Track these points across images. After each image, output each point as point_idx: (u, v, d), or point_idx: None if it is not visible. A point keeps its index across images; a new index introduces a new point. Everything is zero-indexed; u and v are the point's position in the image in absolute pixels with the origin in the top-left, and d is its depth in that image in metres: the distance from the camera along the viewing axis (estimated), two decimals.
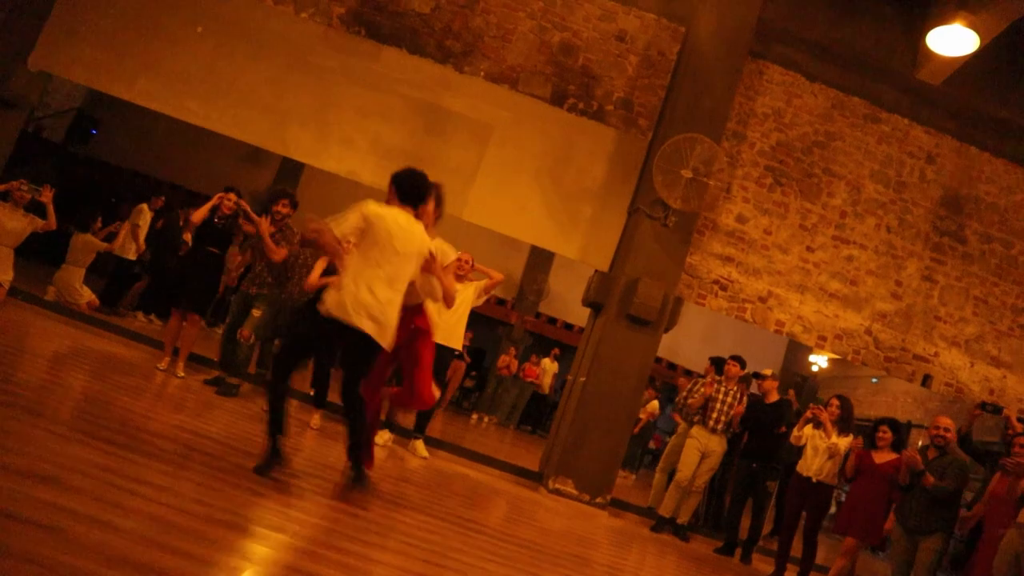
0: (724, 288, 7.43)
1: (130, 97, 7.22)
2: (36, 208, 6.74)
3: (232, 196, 6.32)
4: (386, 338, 3.77)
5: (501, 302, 18.39)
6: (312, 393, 5.96)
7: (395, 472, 5.25)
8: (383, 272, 3.75)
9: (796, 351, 16.03)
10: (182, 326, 6.16)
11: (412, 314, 4.19)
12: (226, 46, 7.36)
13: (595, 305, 7.23)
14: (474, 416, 13.79)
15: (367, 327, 3.67)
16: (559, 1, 7.67)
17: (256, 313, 5.99)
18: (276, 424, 3.66)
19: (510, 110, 7.52)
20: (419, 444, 6.33)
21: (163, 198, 9.48)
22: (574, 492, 6.57)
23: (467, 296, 6.34)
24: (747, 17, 7.19)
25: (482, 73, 7.56)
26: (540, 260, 15.58)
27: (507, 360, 14.44)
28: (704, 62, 7.12)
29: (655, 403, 12.26)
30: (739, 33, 7.17)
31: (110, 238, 8.22)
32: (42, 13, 7.27)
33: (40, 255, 10.14)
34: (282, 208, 6.04)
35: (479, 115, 7.50)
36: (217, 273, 6.42)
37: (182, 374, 6.04)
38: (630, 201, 7.37)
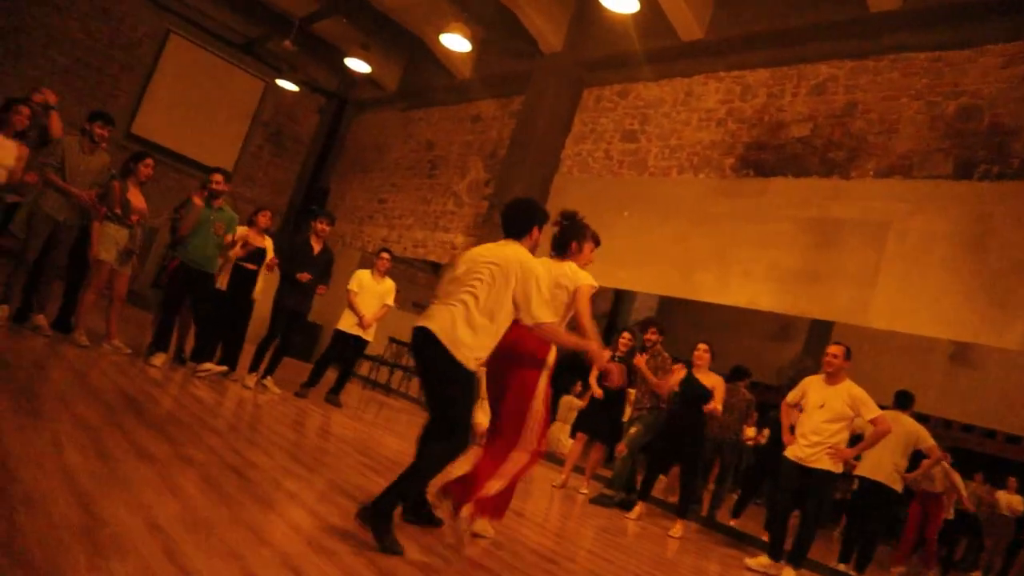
0: None
1: None
2: None
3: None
4: None
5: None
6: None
7: None
8: None
9: None
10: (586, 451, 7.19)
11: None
12: (643, 219, 8.74)
13: None
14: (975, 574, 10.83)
15: None
16: (946, 69, 6.80)
17: (632, 431, 6.61)
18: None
19: (906, 200, 6.74)
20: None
21: None
22: None
23: None
24: None
25: (871, 172, 7.07)
26: None
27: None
28: None
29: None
30: None
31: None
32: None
33: None
34: (652, 335, 6.76)
35: (871, 215, 6.93)
36: (616, 411, 7.27)
37: (585, 490, 6.95)
38: None
